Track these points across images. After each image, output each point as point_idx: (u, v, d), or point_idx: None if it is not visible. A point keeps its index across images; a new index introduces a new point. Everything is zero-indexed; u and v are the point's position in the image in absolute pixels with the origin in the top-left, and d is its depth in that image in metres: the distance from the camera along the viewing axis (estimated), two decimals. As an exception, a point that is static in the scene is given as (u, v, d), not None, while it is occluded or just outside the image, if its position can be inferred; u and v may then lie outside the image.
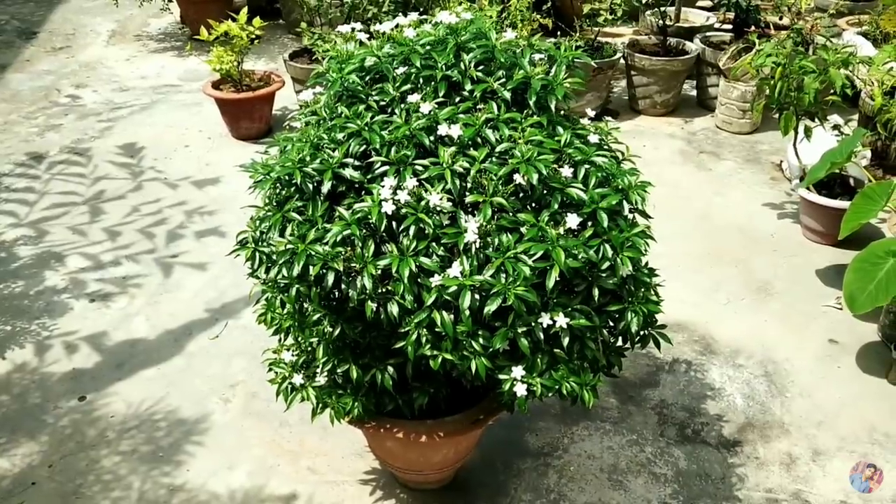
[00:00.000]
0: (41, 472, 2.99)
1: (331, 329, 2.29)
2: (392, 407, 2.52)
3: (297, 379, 2.46)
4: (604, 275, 2.18)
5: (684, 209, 4.82)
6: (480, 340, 2.12)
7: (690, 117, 6.09)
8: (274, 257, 2.18)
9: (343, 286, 2.15)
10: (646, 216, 2.39)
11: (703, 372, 3.52)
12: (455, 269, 2.04)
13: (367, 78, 2.37)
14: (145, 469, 3.00)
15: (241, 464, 3.03)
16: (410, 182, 2.08)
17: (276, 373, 2.54)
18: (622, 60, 5.97)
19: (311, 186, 2.18)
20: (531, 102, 2.25)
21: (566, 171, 2.16)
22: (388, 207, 2.06)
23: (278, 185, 2.26)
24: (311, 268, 2.10)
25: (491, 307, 2.02)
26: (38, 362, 3.53)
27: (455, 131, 2.15)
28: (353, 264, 2.12)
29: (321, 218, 2.17)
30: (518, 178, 2.09)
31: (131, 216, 4.72)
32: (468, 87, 2.28)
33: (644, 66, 5.83)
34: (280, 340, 2.58)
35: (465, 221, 2.09)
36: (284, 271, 2.14)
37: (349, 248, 2.12)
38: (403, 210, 2.08)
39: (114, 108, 6.12)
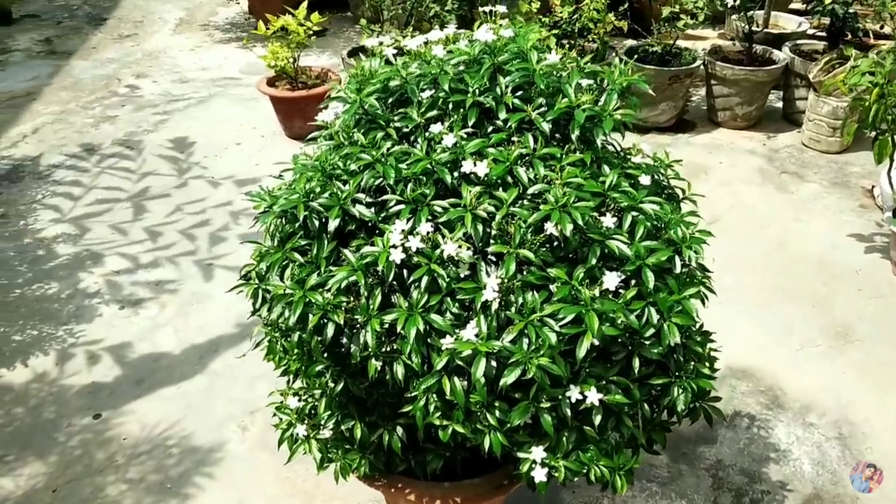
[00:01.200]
0: (44, 496, 2.84)
1: (332, 384, 2.03)
2: (404, 467, 2.26)
3: (301, 430, 2.22)
4: (647, 343, 1.87)
5: (759, 235, 4.41)
6: (497, 413, 1.84)
7: (774, 132, 5.62)
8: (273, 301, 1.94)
9: (345, 339, 1.90)
10: (704, 270, 2.06)
11: (767, 429, 3.15)
12: (469, 331, 1.76)
13: (391, 100, 2.10)
14: (151, 501, 2.82)
15: (251, 501, 2.82)
16: (425, 227, 1.81)
17: (281, 419, 2.30)
18: (702, 68, 5.55)
19: (317, 223, 1.93)
20: (574, 136, 1.95)
21: (608, 221, 1.85)
22: (397, 255, 1.79)
23: (283, 218, 2.01)
24: (310, 316, 1.85)
25: (508, 379, 1.73)
26: (58, 373, 3.40)
27: (481, 169, 1.86)
28: (356, 316, 1.86)
29: (325, 260, 1.92)
30: (549, 227, 1.79)
31: (174, 215, 4.58)
32: (503, 115, 1.99)
33: (725, 76, 5.40)
34: (288, 382, 2.34)
35: (486, 275, 1.80)
36: (286, 313, 1.90)
37: (353, 298, 1.87)
38: (416, 259, 1.81)
39: (171, 100, 6.01)
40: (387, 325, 1.82)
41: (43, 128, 5.53)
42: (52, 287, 3.94)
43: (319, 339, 1.88)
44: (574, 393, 1.82)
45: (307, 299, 1.85)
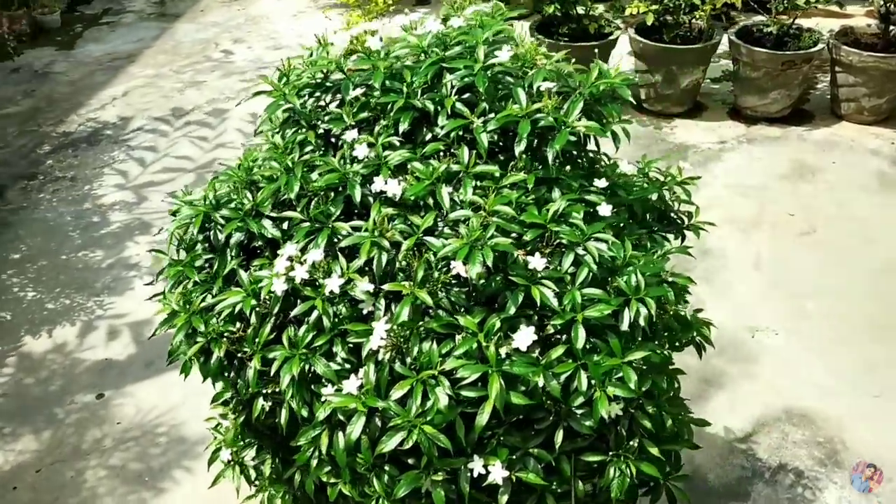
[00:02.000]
0: (27, 475, 2.81)
1: (234, 415, 1.82)
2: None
3: (225, 454, 2.02)
4: (579, 412, 1.53)
5: (861, 255, 3.81)
6: (385, 479, 1.56)
7: (907, 130, 4.89)
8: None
9: (231, 373, 1.67)
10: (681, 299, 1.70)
11: (815, 490, 2.68)
12: (352, 383, 1.49)
13: (329, 98, 1.83)
14: (123, 492, 2.73)
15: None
16: (314, 254, 1.54)
17: (214, 437, 2.12)
18: (826, 52, 4.87)
19: (221, 237, 1.69)
20: (517, 151, 1.61)
21: (536, 262, 1.51)
22: (279, 286, 1.53)
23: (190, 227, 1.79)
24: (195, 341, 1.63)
25: (385, 446, 1.44)
26: (76, 345, 3.38)
27: (392, 187, 1.57)
28: (244, 348, 1.63)
29: (224, 279, 1.69)
30: (456, 265, 1.47)
31: (234, 188, 4.49)
32: (442, 122, 1.67)
33: (851, 62, 4.71)
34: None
35: (376, 320, 1.51)
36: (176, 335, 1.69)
37: (241, 327, 1.63)
38: (305, 290, 1.55)
39: (261, 66, 5.94)
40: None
41: (133, 91, 5.60)
42: (96, 255, 3.95)
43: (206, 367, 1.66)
44: (477, 465, 1.51)
45: (190, 324, 1.63)
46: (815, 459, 2.78)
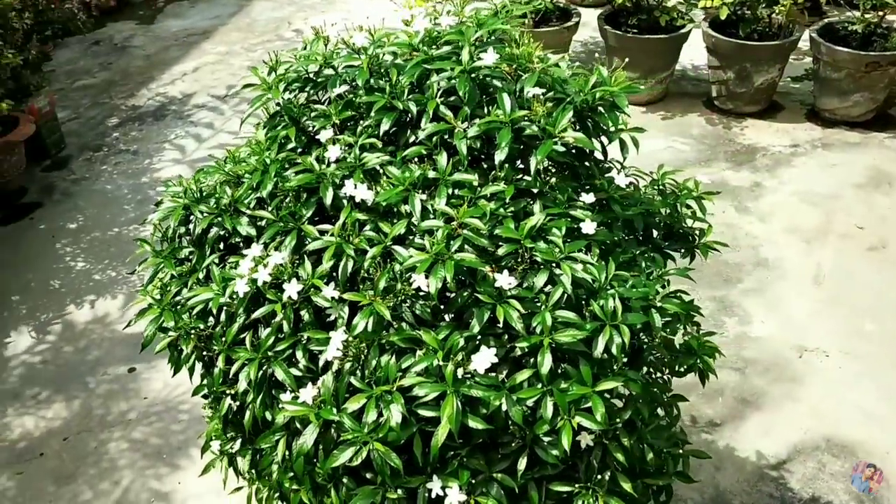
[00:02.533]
0: (54, 443, 2.90)
1: (211, 410, 1.81)
2: None
3: (215, 445, 2.02)
4: (546, 440, 1.45)
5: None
6: (343, 491, 1.51)
7: None
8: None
9: (202, 367, 1.65)
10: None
11: (846, 529, 2.51)
12: (307, 393, 1.45)
13: (320, 93, 1.78)
14: (142, 466, 2.79)
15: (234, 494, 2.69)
16: (276, 257, 1.49)
17: (209, 421, 2.12)
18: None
19: (199, 231, 1.67)
20: (498, 161, 1.52)
21: (503, 280, 1.42)
22: (242, 287, 1.50)
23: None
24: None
25: (336, 460, 1.40)
26: (117, 317, 3.47)
27: (361, 192, 1.51)
28: (214, 346, 1.60)
29: (199, 274, 1.67)
30: (416, 278, 1.41)
31: (289, 169, 4.52)
32: (425, 125, 1.60)
33: (944, 66, 4.37)
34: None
35: (334, 330, 1.46)
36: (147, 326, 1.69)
37: (213, 323, 1.61)
38: (269, 294, 1.51)
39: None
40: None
41: (203, 67, 5.70)
42: (147, 230, 4.03)
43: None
44: (435, 486, 1.45)
45: (161, 319, 1.61)
46: (851, 495, 2.60)
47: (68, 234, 4.01)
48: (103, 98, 5.32)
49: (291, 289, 1.44)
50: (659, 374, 1.74)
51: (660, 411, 1.74)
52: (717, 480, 2.63)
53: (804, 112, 4.78)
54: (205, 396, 1.83)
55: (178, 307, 1.63)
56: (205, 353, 1.60)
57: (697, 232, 1.85)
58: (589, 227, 1.51)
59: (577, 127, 1.60)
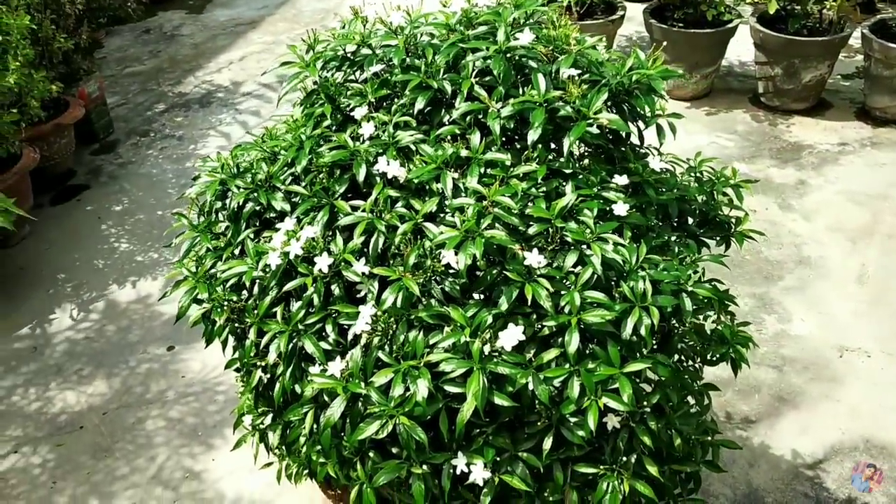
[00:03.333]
0: (93, 418, 2.96)
1: (243, 384, 1.83)
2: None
3: (247, 420, 2.05)
4: (572, 420, 1.44)
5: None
6: (369, 465, 1.53)
7: None
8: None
9: (234, 340, 1.68)
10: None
11: (882, 531, 2.46)
12: (335, 366, 1.46)
13: (357, 71, 1.79)
14: (178, 444, 2.84)
15: (265, 470, 2.73)
16: (308, 231, 1.51)
17: (241, 396, 2.15)
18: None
19: (234, 205, 1.70)
20: (530, 141, 1.52)
21: (533, 258, 1.42)
22: (274, 260, 1.52)
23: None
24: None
25: (362, 433, 1.41)
26: (158, 297, 3.53)
27: (394, 169, 1.52)
28: (246, 318, 1.63)
29: (234, 248, 1.70)
30: (446, 254, 1.41)
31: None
32: (459, 104, 1.60)
33: None
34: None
35: (364, 305, 1.48)
36: (183, 299, 1.72)
37: (246, 296, 1.64)
38: (301, 268, 1.53)
39: (374, 39, 5.98)
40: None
41: (249, 56, 5.77)
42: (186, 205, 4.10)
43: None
44: (460, 463, 1.45)
45: (196, 291, 1.64)
46: (890, 497, 2.54)
47: (113, 216, 4.09)
48: (151, 85, 5.41)
49: (322, 262, 1.46)
50: (690, 363, 1.72)
51: (690, 399, 1.73)
52: (751, 477, 2.60)
53: (854, 110, 4.68)
54: (237, 370, 1.85)
55: (213, 280, 1.65)
56: (237, 325, 1.62)
57: (734, 220, 1.83)
58: (621, 208, 1.50)
59: (613, 110, 1.59)
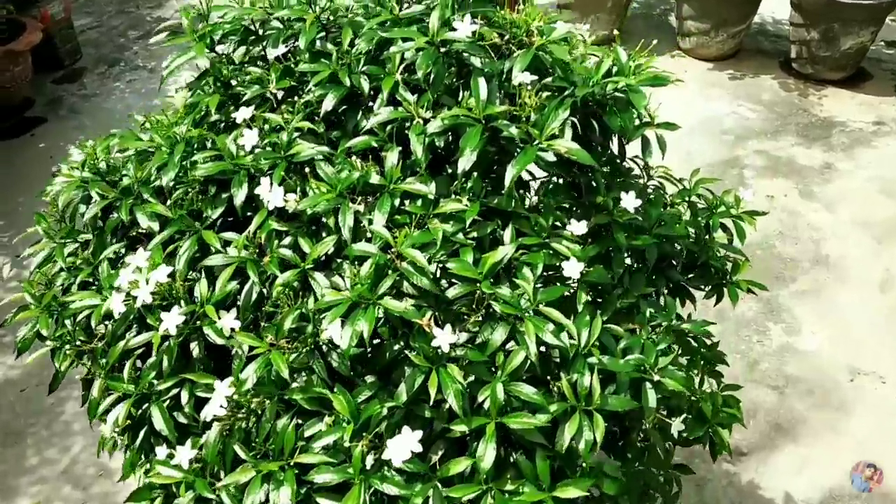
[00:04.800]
0: (10, 394, 2.68)
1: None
2: None
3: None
4: None
5: None
6: None
7: None
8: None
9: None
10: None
11: None
12: (184, 454, 1.13)
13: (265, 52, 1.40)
14: (96, 433, 2.54)
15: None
16: (159, 273, 1.15)
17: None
18: None
19: (89, 216, 1.34)
20: (461, 169, 1.14)
21: (443, 337, 1.06)
22: (117, 306, 1.17)
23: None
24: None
25: None
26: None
27: (277, 199, 1.15)
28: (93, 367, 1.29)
29: (94, 266, 1.34)
30: (328, 327, 1.05)
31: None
32: (379, 110, 1.22)
33: None
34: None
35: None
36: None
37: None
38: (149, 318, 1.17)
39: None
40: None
41: (239, -20, 5.30)
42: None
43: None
44: None
45: (36, 325, 1.30)
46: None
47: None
48: (129, 7, 4.98)
49: (170, 320, 1.10)
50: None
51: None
52: (732, 522, 2.28)
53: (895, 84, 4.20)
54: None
55: (62, 310, 1.31)
56: (89, 373, 1.28)
57: (730, 265, 1.45)
58: (573, 268, 1.13)
59: (579, 128, 1.21)
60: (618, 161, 1.39)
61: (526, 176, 1.33)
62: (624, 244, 1.23)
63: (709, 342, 1.48)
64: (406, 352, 1.07)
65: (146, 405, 1.19)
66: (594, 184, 1.28)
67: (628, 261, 1.33)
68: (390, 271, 1.07)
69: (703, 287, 1.44)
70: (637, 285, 1.28)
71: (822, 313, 2.95)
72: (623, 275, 1.27)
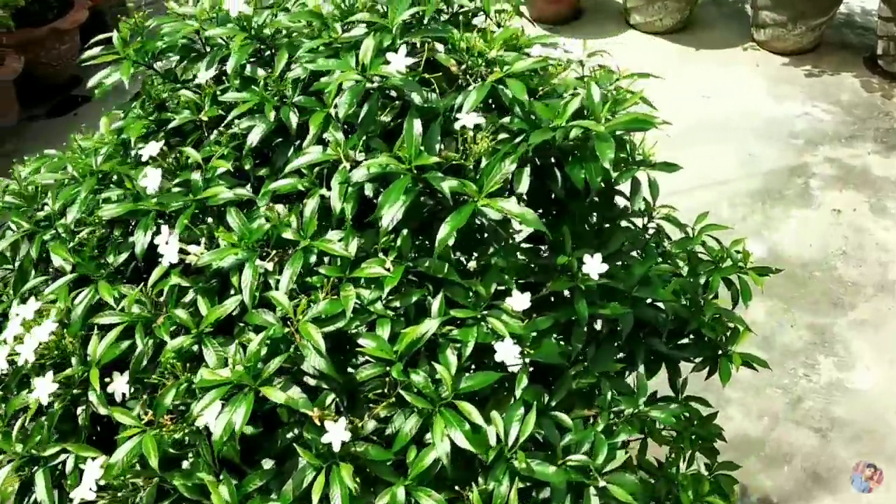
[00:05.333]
0: None
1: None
2: None
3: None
4: None
5: None
6: None
7: None
8: None
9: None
10: None
11: None
12: None
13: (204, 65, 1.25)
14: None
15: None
16: (43, 329, 1.02)
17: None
18: None
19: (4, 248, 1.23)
20: (383, 226, 0.97)
21: (336, 433, 0.90)
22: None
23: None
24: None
25: None
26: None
27: (171, 254, 1.00)
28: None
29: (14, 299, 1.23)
30: (202, 413, 0.91)
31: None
32: (307, 149, 1.06)
33: None
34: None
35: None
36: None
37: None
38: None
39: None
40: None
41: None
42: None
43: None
44: None
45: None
46: None
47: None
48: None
49: (42, 388, 0.97)
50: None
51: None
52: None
53: None
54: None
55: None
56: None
57: (727, 334, 1.24)
58: (507, 351, 0.95)
59: (532, 178, 1.02)
60: (608, 199, 1.20)
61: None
62: (584, 315, 1.04)
63: (705, 412, 1.29)
64: (296, 444, 0.92)
65: (35, 468, 1.07)
66: (560, 234, 1.10)
67: (600, 328, 1.15)
68: (287, 347, 0.92)
69: (692, 359, 1.23)
70: (601, 361, 1.09)
71: (881, 348, 2.66)
72: (587, 347, 1.09)
